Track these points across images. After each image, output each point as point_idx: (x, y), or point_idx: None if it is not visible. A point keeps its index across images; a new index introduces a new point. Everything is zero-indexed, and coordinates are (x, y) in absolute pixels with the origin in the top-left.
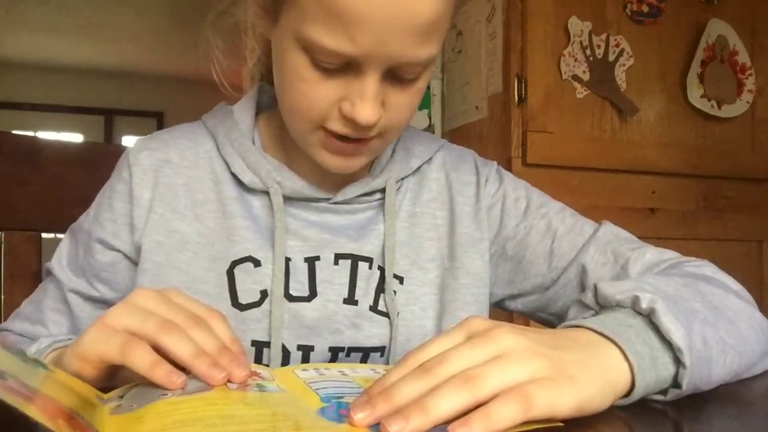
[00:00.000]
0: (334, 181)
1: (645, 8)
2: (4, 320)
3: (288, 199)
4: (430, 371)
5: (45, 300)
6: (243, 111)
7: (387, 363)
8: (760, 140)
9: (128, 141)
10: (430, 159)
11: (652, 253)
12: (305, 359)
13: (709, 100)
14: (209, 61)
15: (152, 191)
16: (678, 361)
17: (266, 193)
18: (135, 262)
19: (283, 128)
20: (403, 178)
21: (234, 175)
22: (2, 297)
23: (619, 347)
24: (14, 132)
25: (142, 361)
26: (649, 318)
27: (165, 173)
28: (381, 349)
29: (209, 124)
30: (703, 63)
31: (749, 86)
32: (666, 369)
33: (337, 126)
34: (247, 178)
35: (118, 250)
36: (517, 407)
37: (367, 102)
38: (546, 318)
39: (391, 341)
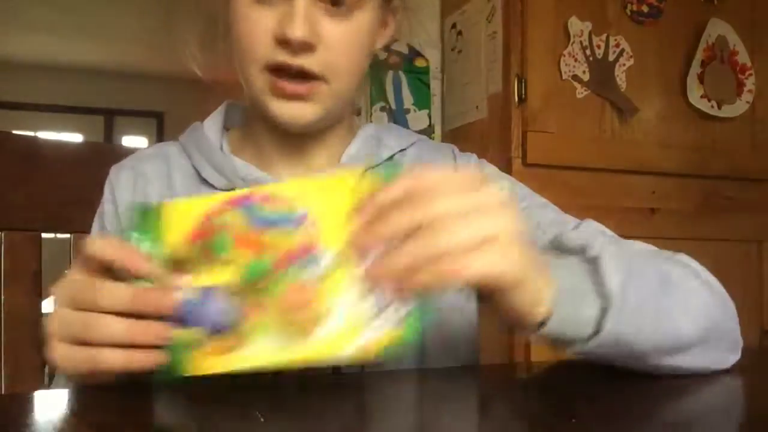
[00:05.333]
0: (303, 174)
1: (645, 8)
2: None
3: None
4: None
5: None
6: (211, 125)
7: None
8: (760, 140)
9: (128, 141)
10: (404, 150)
11: (636, 246)
12: None
13: (709, 100)
14: (183, 54)
15: (132, 198)
16: (605, 309)
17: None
18: None
19: (249, 137)
20: (373, 168)
21: (204, 180)
22: (2, 297)
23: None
24: (14, 132)
25: (112, 362)
26: (594, 266)
27: (140, 184)
28: None
29: (182, 140)
30: (703, 63)
31: (749, 86)
32: (589, 307)
33: (275, 54)
34: (215, 180)
35: None
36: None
37: (296, 18)
38: None
39: None
